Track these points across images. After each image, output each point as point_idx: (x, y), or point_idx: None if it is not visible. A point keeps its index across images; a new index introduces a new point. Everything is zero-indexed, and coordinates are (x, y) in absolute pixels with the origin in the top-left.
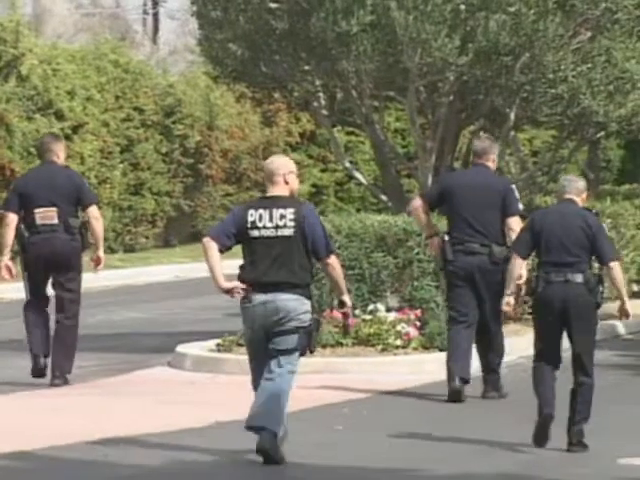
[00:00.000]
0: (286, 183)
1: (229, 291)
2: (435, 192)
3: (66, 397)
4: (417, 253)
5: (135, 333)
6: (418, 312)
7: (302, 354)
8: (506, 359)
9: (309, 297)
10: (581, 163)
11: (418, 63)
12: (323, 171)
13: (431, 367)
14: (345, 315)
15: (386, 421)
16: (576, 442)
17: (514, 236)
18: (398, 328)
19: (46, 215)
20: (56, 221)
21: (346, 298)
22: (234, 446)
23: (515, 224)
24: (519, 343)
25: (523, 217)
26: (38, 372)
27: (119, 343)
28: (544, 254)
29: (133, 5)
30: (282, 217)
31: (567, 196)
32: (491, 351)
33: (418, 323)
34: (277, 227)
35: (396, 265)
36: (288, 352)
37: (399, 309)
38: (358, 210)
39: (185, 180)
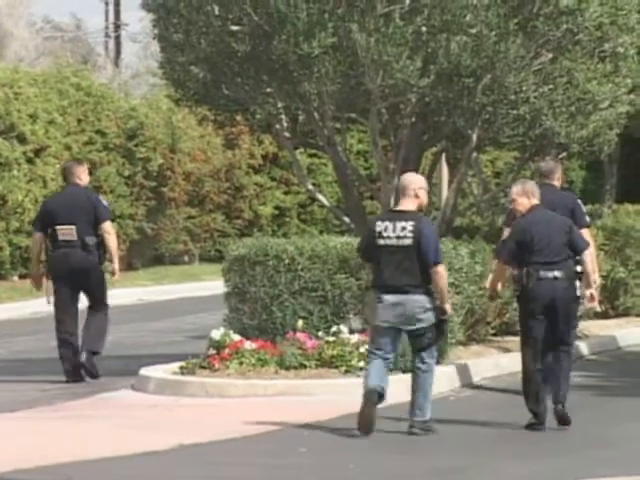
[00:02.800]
0: (416, 197)
1: None
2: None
3: (29, 420)
4: None
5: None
6: None
7: (436, 345)
8: (470, 380)
9: (431, 295)
10: None
11: (380, 85)
12: (286, 193)
13: (393, 389)
14: (442, 322)
15: (349, 443)
16: (561, 410)
17: None
18: (361, 350)
19: (66, 232)
20: (75, 238)
21: (447, 307)
22: (198, 469)
23: (586, 235)
24: (482, 365)
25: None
26: (73, 376)
27: None
28: (535, 255)
29: (95, 28)
30: (403, 229)
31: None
32: None
33: None
34: (398, 237)
35: (359, 287)
36: (425, 349)
37: (362, 331)
38: (321, 232)
39: (148, 203)
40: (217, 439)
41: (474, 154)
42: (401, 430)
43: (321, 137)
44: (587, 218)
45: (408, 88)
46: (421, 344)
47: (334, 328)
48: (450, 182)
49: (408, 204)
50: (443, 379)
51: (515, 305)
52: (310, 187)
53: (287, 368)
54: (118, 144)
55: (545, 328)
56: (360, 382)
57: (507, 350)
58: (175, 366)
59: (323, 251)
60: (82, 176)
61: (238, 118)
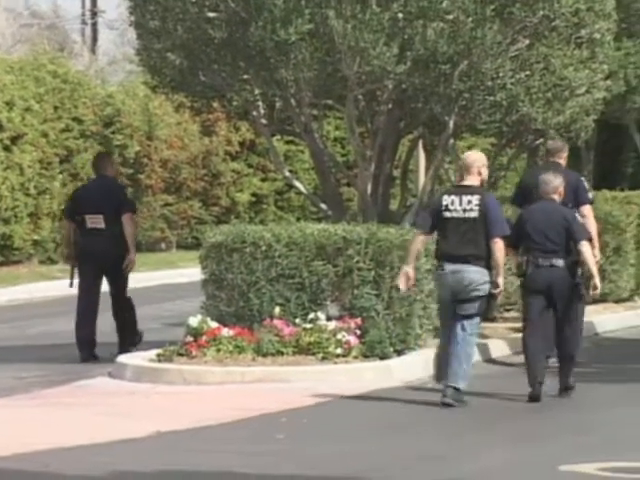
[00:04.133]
0: (479, 174)
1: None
2: (518, 191)
3: (6, 408)
4: (357, 262)
5: (75, 344)
6: (358, 321)
7: (482, 318)
8: None
9: (490, 269)
10: (520, 170)
11: (356, 71)
12: (263, 180)
13: (371, 375)
14: (494, 295)
15: (327, 429)
16: (564, 387)
17: (587, 222)
18: (338, 337)
19: (94, 220)
20: (103, 226)
21: (500, 280)
22: (175, 456)
23: (587, 211)
24: None
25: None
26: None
27: (60, 354)
28: (535, 244)
29: (72, 15)
30: (469, 202)
31: (548, 196)
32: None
33: (358, 332)
34: (465, 210)
35: (336, 274)
36: (470, 317)
37: (339, 318)
38: (298, 219)
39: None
40: (194, 426)
41: (451, 140)
42: (381, 417)
43: (298, 124)
44: (590, 195)
45: (385, 75)
46: (467, 311)
47: (311, 315)
48: (427, 169)
49: (472, 180)
50: (420, 366)
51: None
52: (287, 174)
53: (264, 355)
54: (95, 131)
55: (548, 312)
56: (337, 369)
57: (485, 336)
58: (152, 353)
59: (300, 238)
60: (109, 167)
61: (215, 105)
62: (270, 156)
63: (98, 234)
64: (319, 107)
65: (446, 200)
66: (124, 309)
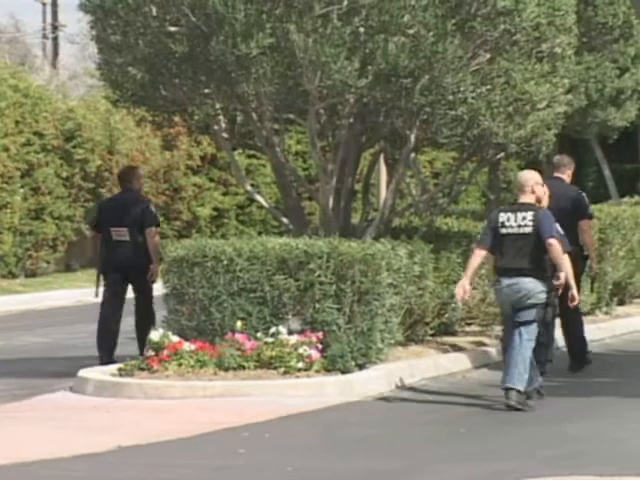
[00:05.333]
0: (532, 192)
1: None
2: None
3: None
4: (319, 276)
5: (37, 358)
6: (320, 335)
7: (539, 325)
8: (409, 381)
9: (544, 279)
10: (481, 184)
11: (318, 86)
12: (224, 194)
13: (333, 390)
14: (557, 288)
15: (289, 444)
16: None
17: (586, 236)
18: (300, 351)
19: (119, 232)
20: (127, 238)
21: (561, 274)
22: (136, 471)
23: (586, 226)
24: (421, 365)
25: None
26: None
27: (21, 368)
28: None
29: (32, 30)
30: (523, 218)
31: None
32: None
33: (320, 346)
34: (520, 226)
35: (298, 288)
36: (527, 323)
37: (301, 332)
38: (260, 233)
39: (86, 204)
40: (156, 440)
41: (412, 154)
42: (343, 431)
43: (259, 138)
44: (590, 210)
45: (346, 89)
46: (523, 318)
47: (273, 329)
48: (388, 183)
49: (526, 198)
50: (382, 380)
51: (453, 306)
52: (249, 188)
53: (226, 369)
54: (56, 145)
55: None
56: (298, 383)
57: (446, 350)
58: (114, 368)
59: (262, 252)
60: (134, 181)
61: (176, 119)
62: (231, 170)
63: (122, 246)
64: (280, 121)
65: (502, 217)
66: (147, 318)
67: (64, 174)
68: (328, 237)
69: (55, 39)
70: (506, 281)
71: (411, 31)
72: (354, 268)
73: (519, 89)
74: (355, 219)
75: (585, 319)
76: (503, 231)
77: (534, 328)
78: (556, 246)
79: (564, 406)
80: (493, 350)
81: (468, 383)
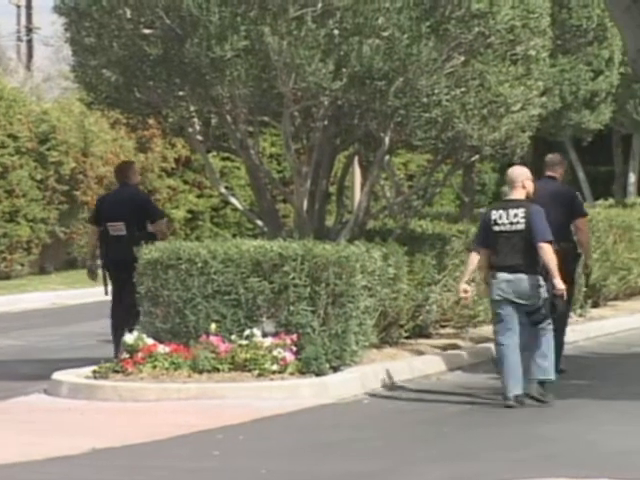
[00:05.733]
0: (523, 187)
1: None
2: None
3: None
4: (293, 278)
5: (11, 360)
6: (294, 337)
7: (552, 316)
8: (384, 383)
9: (541, 274)
10: (456, 186)
11: (292, 88)
12: (199, 197)
13: (307, 392)
14: (554, 296)
15: (263, 446)
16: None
17: (581, 234)
18: (274, 353)
19: (116, 227)
20: (124, 232)
21: (555, 281)
22: (110, 473)
23: (581, 224)
24: (395, 367)
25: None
26: None
27: None
28: None
29: (6, 32)
30: (515, 215)
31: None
32: None
33: (294, 348)
34: (512, 223)
35: (272, 290)
36: (540, 322)
37: (275, 334)
38: (234, 235)
39: (60, 207)
40: (130, 443)
41: (386, 157)
42: (317, 434)
43: (234, 140)
44: (584, 208)
45: (320, 91)
46: (536, 319)
47: (247, 332)
48: (363, 185)
49: (517, 194)
50: (356, 382)
51: (427, 308)
52: (223, 190)
53: (200, 372)
54: (30, 148)
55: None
56: (273, 385)
57: (420, 353)
58: (88, 370)
59: (236, 254)
60: (132, 176)
61: (150, 121)
62: (206, 172)
63: (119, 241)
64: (255, 124)
65: (494, 215)
66: (133, 316)
67: (38, 176)
68: (302, 239)
69: (29, 41)
70: (503, 276)
71: (385, 33)
72: (328, 270)
73: (493, 91)
74: (329, 221)
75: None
76: (496, 229)
77: (549, 321)
78: (547, 249)
79: (539, 408)
80: (467, 352)
81: (443, 385)
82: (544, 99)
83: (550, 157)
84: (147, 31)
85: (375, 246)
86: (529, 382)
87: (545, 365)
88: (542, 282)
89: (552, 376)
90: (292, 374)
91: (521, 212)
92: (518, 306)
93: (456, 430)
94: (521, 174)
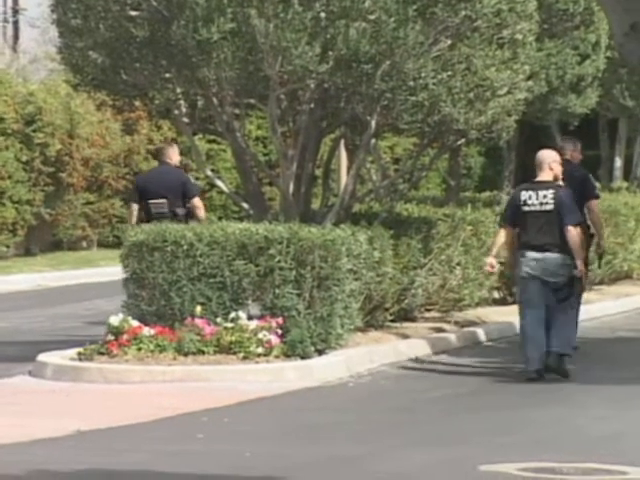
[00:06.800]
0: (551, 169)
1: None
2: None
3: None
4: (278, 261)
5: None
6: (280, 320)
7: (578, 295)
8: (369, 366)
9: (569, 254)
10: (442, 170)
11: (279, 71)
12: None
13: (292, 375)
14: (579, 278)
15: (247, 429)
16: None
17: (591, 215)
18: (260, 336)
19: (158, 205)
20: (166, 210)
21: (578, 262)
22: (95, 455)
23: (593, 205)
24: (380, 351)
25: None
26: None
27: None
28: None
29: None
30: (544, 196)
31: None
32: None
33: (279, 331)
34: (541, 204)
35: (257, 273)
36: (564, 300)
37: (261, 317)
38: (220, 218)
39: (46, 189)
40: (115, 425)
41: (373, 140)
42: (302, 417)
43: (220, 123)
44: (596, 191)
45: (307, 74)
46: (562, 296)
47: (232, 314)
48: (349, 168)
49: (545, 175)
50: (341, 365)
51: (413, 292)
52: (209, 173)
53: (185, 354)
54: (16, 129)
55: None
56: (258, 368)
57: (405, 336)
58: (73, 352)
59: (222, 237)
60: (172, 156)
61: (137, 103)
62: (192, 155)
63: (162, 217)
64: (241, 106)
65: (524, 195)
66: None
67: (24, 158)
68: (288, 222)
69: (15, 23)
70: (532, 254)
71: (372, 17)
72: (314, 254)
73: (480, 75)
74: (315, 205)
75: None
76: (525, 209)
77: (574, 299)
78: (573, 232)
79: (524, 392)
80: (452, 336)
81: (427, 369)
82: (530, 83)
83: (562, 140)
84: (134, 13)
85: (361, 229)
86: (549, 354)
87: (565, 339)
88: (569, 261)
89: (570, 351)
90: (277, 357)
91: (550, 193)
92: (545, 283)
93: (440, 414)
94: (549, 156)
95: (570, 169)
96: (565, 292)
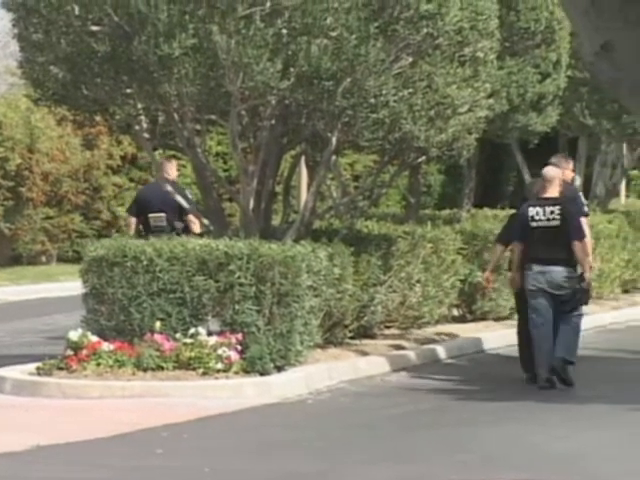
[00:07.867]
0: (558, 186)
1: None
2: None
3: None
4: (238, 277)
5: None
6: (239, 336)
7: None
8: (328, 383)
9: (574, 267)
10: (402, 187)
11: (240, 87)
12: None
13: (251, 391)
14: (585, 289)
15: (206, 445)
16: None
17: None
18: (219, 352)
19: (157, 219)
20: (164, 224)
21: (586, 275)
22: (54, 471)
23: (582, 223)
24: (340, 368)
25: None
26: None
27: None
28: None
29: None
30: (552, 212)
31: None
32: None
33: (239, 347)
34: (548, 219)
35: (217, 289)
36: (572, 311)
37: (220, 333)
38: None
39: (5, 203)
40: (74, 440)
41: (333, 157)
42: (261, 433)
43: (180, 138)
44: (586, 208)
45: (268, 90)
46: (567, 308)
47: (192, 330)
48: (309, 185)
49: (553, 192)
50: (301, 382)
51: (372, 309)
52: (169, 188)
53: (145, 370)
54: None
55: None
56: (217, 384)
57: (365, 353)
58: (32, 367)
59: (182, 253)
60: (170, 171)
61: (97, 118)
62: (152, 170)
63: (161, 230)
64: (202, 122)
65: (532, 211)
66: None
67: None
68: (248, 238)
69: None
70: (537, 267)
71: (334, 34)
72: (274, 270)
73: (441, 93)
74: (276, 221)
75: (503, 323)
76: (533, 224)
77: (580, 309)
78: (579, 247)
79: (484, 409)
80: (412, 353)
81: (387, 386)
82: (491, 101)
83: (554, 158)
84: (95, 28)
85: (321, 246)
86: (554, 360)
87: (570, 346)
88: (573, 274)
89: (574, 358)
90: (237, 373)
91: (557, 209)
92: (551, 296)
93: (399, 431)
94: (557, 174)
95: (563, 186)
96: (571, 304)
